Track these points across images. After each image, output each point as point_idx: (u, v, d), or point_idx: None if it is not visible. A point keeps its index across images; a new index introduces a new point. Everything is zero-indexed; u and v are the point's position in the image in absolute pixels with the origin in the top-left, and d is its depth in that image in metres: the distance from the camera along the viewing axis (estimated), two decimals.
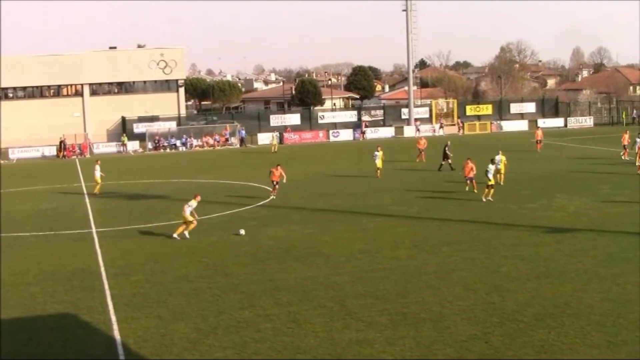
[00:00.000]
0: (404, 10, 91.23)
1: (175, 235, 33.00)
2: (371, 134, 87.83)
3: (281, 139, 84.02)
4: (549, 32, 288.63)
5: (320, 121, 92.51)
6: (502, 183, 45.31)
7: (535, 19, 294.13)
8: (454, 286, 24.51)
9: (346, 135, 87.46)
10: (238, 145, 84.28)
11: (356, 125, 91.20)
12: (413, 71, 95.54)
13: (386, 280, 25.44)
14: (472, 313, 21.70)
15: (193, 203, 33.17)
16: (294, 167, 58.63)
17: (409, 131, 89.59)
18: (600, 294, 23.17)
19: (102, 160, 52.36)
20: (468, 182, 43.22)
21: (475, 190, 42.46)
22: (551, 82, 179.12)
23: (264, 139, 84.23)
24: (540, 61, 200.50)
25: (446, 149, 54.86)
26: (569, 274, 25.63)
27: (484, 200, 40.38)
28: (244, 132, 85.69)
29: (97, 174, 48.96)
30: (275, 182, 43.86)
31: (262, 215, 38.95)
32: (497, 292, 23.66)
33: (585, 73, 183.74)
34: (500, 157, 45.77)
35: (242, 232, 33.76)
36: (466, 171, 43.07)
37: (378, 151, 52.02)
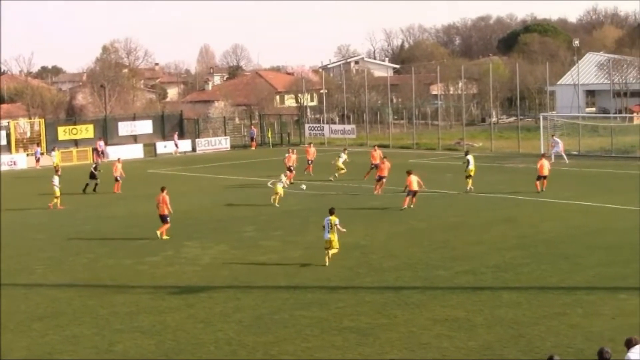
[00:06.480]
0: None
1: None
2: None
3: None
4: (169, 27, 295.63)
5: None
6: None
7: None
8: None
9: None
10: None
11: None
12: None
13: None
14: None
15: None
16: None
17: None
18: None
19: None
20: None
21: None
22: (173, 92, 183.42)
23: None
24: (157, 64, 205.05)
25: (93, 169, 64.64)
26: (207, 346, 26.27)
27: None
28: None
29: None
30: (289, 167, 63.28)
31: None
32: None
33: (217, 79, 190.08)
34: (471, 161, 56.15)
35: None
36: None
37: None
